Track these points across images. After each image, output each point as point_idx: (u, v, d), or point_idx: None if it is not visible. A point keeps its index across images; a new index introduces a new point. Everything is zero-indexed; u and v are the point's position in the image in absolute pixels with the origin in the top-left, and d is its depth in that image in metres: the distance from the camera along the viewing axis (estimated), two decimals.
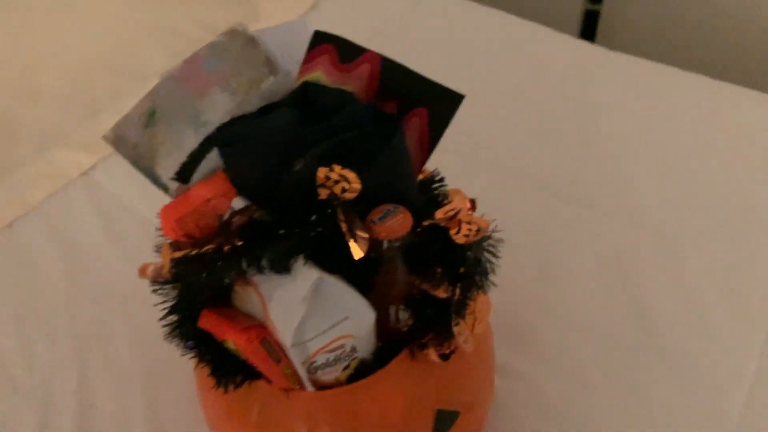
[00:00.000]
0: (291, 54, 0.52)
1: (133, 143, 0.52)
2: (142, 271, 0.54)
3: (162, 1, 1.17)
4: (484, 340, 0.57)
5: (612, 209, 0.86)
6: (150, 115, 0.51)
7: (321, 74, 0.51)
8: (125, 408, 0.70)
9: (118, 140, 0.53)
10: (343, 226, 0.43)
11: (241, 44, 0.51)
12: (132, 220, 0.88)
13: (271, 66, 0.51)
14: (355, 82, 0.50)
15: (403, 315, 0.52)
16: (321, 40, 0.51)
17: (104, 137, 0.53)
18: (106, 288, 0.81)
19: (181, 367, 0.70)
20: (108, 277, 0.82)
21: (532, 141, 0.95)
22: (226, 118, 0.51)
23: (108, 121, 0.54)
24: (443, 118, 0.51)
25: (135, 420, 0.69)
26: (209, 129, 0.51)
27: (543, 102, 1.01)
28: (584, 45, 1.11)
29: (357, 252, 0.43)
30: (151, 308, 0.78)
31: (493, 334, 0.61)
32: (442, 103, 0.51)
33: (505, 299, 0.72)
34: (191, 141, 0.51)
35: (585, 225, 0.84)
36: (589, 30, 1.80)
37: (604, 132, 0.96)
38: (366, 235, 0.44)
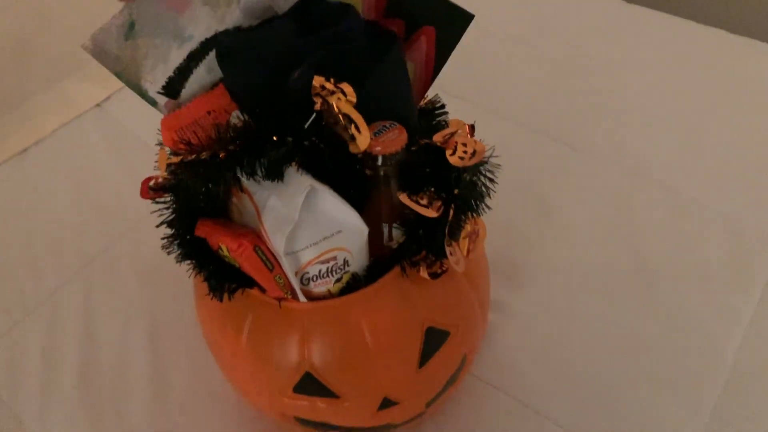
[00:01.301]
0: None
1: (114, 54, 0.52)
2: (144, 185, 0.55)
3: None
4: (478, 264, 0.58)
5: (614, 157, 0.85)
6: (129, 27, 0.51)
7: None
8: (127, 324, 0.72)
9: (98, 50, 0.52)
10: (342, 119, 0.44)
11: None
12: (141, 151, 0.89)
13: None
14: None
15: (396, 233, 0.53)
16: None
17: (83, 46, 0.53)
18: (113, 211, 0.83)
19: (181, 283, 0.72)
20: (115, 201, 0.84)
21: (538, 89, 0.95)
22: (209, 33, 0.51)
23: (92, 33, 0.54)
24: (451, 38, 0.51)
25: (137, 335, 0.71)
26: (193, 44, 0.52)
27: (553, 52, 1.00)
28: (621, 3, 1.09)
29: (355, 147, 0.44)
30: (154, 229, 0.80)
31: (488, 263, 0.61)
32: (450, 23, 0.50)
33: (502, 238, 0.73)
34: (175, 55, 0.52)
35: (586, 171, 0.84)
36: None
37: (614, 82, 0.95)
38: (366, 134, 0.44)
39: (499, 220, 0.61)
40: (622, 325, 0.70)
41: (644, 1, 1.08)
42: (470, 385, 0.66)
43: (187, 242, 0.53)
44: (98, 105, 0.95)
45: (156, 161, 0.54)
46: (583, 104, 0.92)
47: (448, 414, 0.64)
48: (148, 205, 0.84)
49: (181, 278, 0.73)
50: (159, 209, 0.53)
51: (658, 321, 0.70)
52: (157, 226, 0.53)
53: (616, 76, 0.95)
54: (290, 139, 0.46)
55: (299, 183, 0.47)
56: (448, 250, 0.51)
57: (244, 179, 0.48)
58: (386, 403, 0.54)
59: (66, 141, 0.92)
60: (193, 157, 0.47)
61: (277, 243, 0.47)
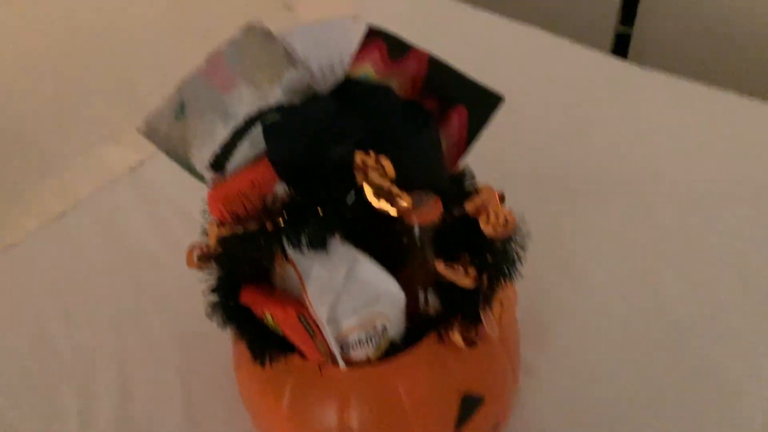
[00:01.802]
0: (332, 49, 0.55)
1: (165, 134, 0.56)
2: (189, 255, 0.58)
3: (211, 6, 1.23)
4: (509, 330, 0.59)
5: (633, 210, 0.87)
6: (180, 108, 0.55)
7: (370, 68, 0.54)
8: (161, 384, 0.74)
9: (151, 131, 0.56)
10: (377, 199, 0.46)
11: (258, 39, 0.54)
12: (175, 215, 0.92)
13: (289, 59, 0.54)
14: (401, 77, 0.54)
15: (432, 299, 0.54)
16: (373, 36, 0.54)
17: (137, 128, 0.56)
18: (148, 276, 0.85)
19: (216, 348, 0.74)
20: (149, 265, 0.86)
21: (557, 145, 0.98)
22: (252, 110, 0.55)
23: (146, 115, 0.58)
24: (482, 118, 0.54)
25: (171, 397, 0.73)
26: (238, 120, 0.55)
27: (570, 111, 1.03)
28: (615, 61, 1.13)
29: (396, 210, 0.46)
30: (188, 295, 0.82)
31: (518, 327, 0.63)
32: (482, 103, 0.54)
33: (526, 296, 0.74)
34: (221, 132, 0.55)
35: (606, 224, 0.86)
36: (620, 52, 1.82)
37: (632, 140, 0.98)
38: (404, 202, 0.47)
39: (525, 281, 0.62)
40: (650, 382, 0.70)
41: (662, 63, 1.11)
42: None
43: (230, 308, 0.55)
44: (133, 169, 0.99)
45: (203, 230, 0.57)
46: (601, 160, 0.94)
47: None
48: (181, 268, 0.87)
49: (216, 341, 0.75)
50: (205, 277, 0.56)
51: (686, 378, 0.71)
52: (204, 294, 0.55)
53: (637, 139, 0.98)
54: (333, 211, 0.49)
55: (342, 254, 0.49)
56: (482, 316, 0.53)
57: (288, 249, 0.50)
58: None
59: (101, 205, 0.95)
60: (242, 229, 0.50)
61: (321, 311, 0.49)
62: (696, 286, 0.79)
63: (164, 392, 0.73)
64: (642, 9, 1.69)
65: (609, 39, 1.79)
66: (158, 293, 0.83)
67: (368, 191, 0.47)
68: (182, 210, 0.93)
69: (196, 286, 0.67)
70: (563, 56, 1.15)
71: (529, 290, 0.75)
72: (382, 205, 0.47)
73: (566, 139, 0.99)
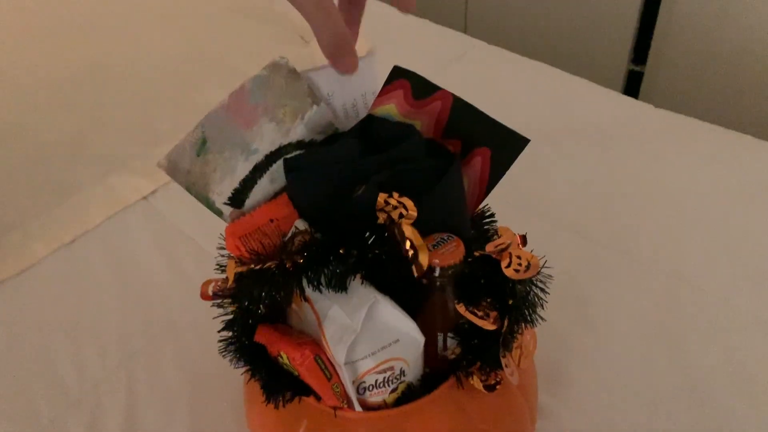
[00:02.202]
0: (355, 88, 0.55)
1: (186, 170, 0.55)
2: (204, 288, 0.57)
3: (225, 40, 1.24)
4: (528, 375, 0.58)
5: (653, 262, 0.86)
6: (201, 143, 0.55)
7: (393, 107, 0.54)
8: (170, 422, 0.72)
9: (172, 167, 0.56)
10: (407, 243, 0.45)
11: (283, 76, 0.54)
12: (186, 246, 0.92)
13: (313, 96, 0.54)
14: (424, 117, 0.53)
15: (451, 343, 0.53)
16: (398, 75, 0.54)
17: (158, 164, 0.56)
18: (156, 307, 0.84)
19: (226, 386, 0.73)
20: (159, 296, 0.85)
21: (573, 191, 0.97)
22: (273, 146, 0.55)
23: (167, 151, 0.57)
24: (505, 160, 0.54)
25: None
26: (258, 156, 0.55)
27: (585, 154, 1.03)
28: (629, 100, 1.13)
29: (415, 271, 0.45)
30: (198, 328, 0.81)
31: (536, 373, 0.61)
32: (505, 145, 0.53)
33: (543, 342, 0.73)
34: (242, 168, 0.55)
35: (625, 275, 0.85)
36: (632, 91, 1.83)
37: (648, 185, 0.97)
38: (425, 256, 0.46)
39: (541, 326, 0.61)
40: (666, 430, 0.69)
41: (674, 101, 1.11)
42: None
43: (244, 347, 0.54)
44: (145, 198, 0.98)
45: (218, 265, 0.56)
46: (619, 208, 0.94)
47: None
48: (191, 300, 0.86)
49: (225, 378, 0.74)
50: (217, 311, 0.55)
51: (703, 428, 0.69)
52: (219, 332, 0.54)
53: (651, 181, 0.97)
54: (355, 251, 0.48)
55: (363, 295, 0.48)
56: (502, 361, 0.52)
57: (307, 289, 0.49)
58: None
59: (112, 233, 0.94)
60: (260, 266, 0.49)
61: (338, 353, 0.48)
62: (718, 339, 0.77)
63: (172, 428, 0.72)
64: (654, 47, 1.70)
65: (621, 77, 1.80)
66: (167, 325, 0.82)
67: (398, 232, 0.46)
68: (193, 241, 0.92)
69: (206, 319, 0.66)
70: (576, 94, 1.15)
71: (545, 335, 0.74)
72: (408, 246, 0.46)
73: (581, 181, 0.99)
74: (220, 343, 0.55)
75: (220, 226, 0.58)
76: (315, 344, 0.50)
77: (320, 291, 0.49)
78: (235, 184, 0.55)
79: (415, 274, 0.46)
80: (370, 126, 0.53)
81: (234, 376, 0.69)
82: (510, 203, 0.91)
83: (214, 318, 0.55)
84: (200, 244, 0.91)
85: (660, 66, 1.72)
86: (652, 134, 1.06)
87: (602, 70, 1.78)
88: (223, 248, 0.56)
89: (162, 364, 0.78)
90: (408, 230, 0.46)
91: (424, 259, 0.46)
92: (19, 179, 1.01)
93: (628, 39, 1.73)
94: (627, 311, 0.81)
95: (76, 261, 0.91)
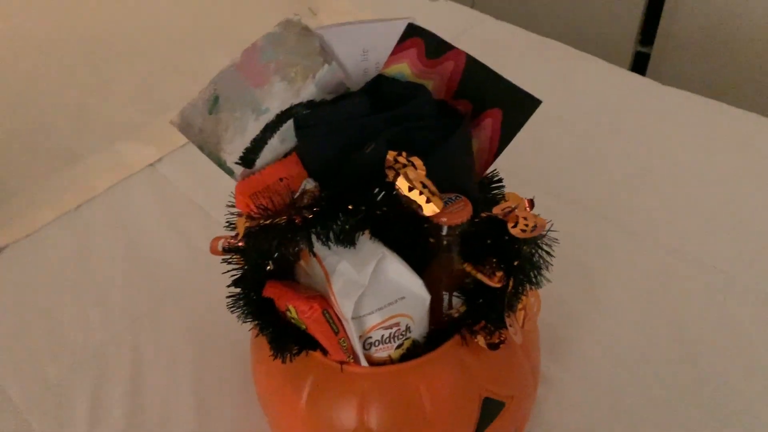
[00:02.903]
0: (367, 47, 0.55)
1: (198, 128, 0.56)
2: (214, 244, 0.57)
3: (231, 10, 1.23)
4: (531, 336, 0.59)
5: (655, 236, 0.87)
6: (213, 101, 0.55)
7: (406, 66, 0.54)
8: (175, 383, 0.73)
9: (185, 124, 0.56)
10: (419, 185, 0.46)
11: (295, 34, 0.54)
12: (191, 212, 0.92)
13: (324, 55, 0.54)
14: (437, 77, 0.53)
15: (456, 302, 0.54)
16: (411, 33, 0.54)
17: (171, 121, 0.56)
18: (162, 271, 0.85)
19: (231, 348, 0.74)
20: (164, 261, 0.86)
21: (580, 166, 0.97)
22: (284, 106, 0.55)
23: (181, 108, 0.57)
24: (516, 121, 0.54)
25: (182, 392, 0.72)
26: (269, 116, 0.55)
27: (591, 129, 1.03)
28: (636, 77, 1.13)
29: (430, 209, 0.46)
30: (203, 291, 0.82)
31: (540, 338, 0.62)
32: (517, 106, 0.53)
33: (547, 311, 0.74)
34: (253, 127, 0.55)
35: (628, 249, 0.85)
36: (638, 72, 1.82)
37: (653, 162, 0.97)
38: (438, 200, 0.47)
39: (545, 291, 0.62)
40: (666, 401, 0.70)
41: (680, 84, 1.11)
42: None
43: (252, 302, 0.55)
44: (151, 165, 0.99)
45: (229, 220, 0.56)
46: (622, 182, 0.94)
47: None
48: (195, 264, 0.86)
49: (228, 337, 0.75)
50: (230, 269, 0.55)
51: (702, 400, 0.70)
52: (228, 287, 0.55)
53: (657, 157, 0.98)
54: (363, 207, 0.49)
55: (371, 250, 0.49)
56: (507, 320, 0.52)
57: (316, 244, 0.50)
58: None
59: (118, 199, 0.95)
60: (269, 221, 0.49)
61: (345, 307, 0.49)
62: (716, 311, 0.78)
63: (177, 388, 0.73)
64: (662, 29, 1.70)
65: (628, 58, 1.80)
66: (172, 288, 0.83)
67: (402, 184, 0.46)
68: (198, 207, 0.93)
69: (211, 283, 0.67)
70: (583, 70, 1.15)
71: (548, 304, 0.75)
72: (414, 196, 0.46)
73: (587, 156, 0.99)
74: (229, 299, 0.56)
75: (225, 193, 0.59)
76: (323, 299, 0.50)
77: (329, 246, 0.50)
78: (246, 144, 0.56)
79: (426, 215, 0.46)
80: (380, 85, 0.54)
81: (239, 338, 0.70)
82: (515, 178, 0.91)
83: (223, 273, 0.55)
84: (206, 210, 0.92)
85: (667, 47, 1.72)
86: (658, 110, 1.06)
87: (609, 51, 1.77)
88: (233, 206, 0.57)
89: (167, 326, 0.79)
90: (419, 175, 0.46)
91: (437, 201, 0.46)
92: (26, 146, 1.01)
93: (635, 20, 1.72)
94: (629, 284, 0.81)
95: (83, 226, 0.91)
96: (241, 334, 0.66)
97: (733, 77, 1.64)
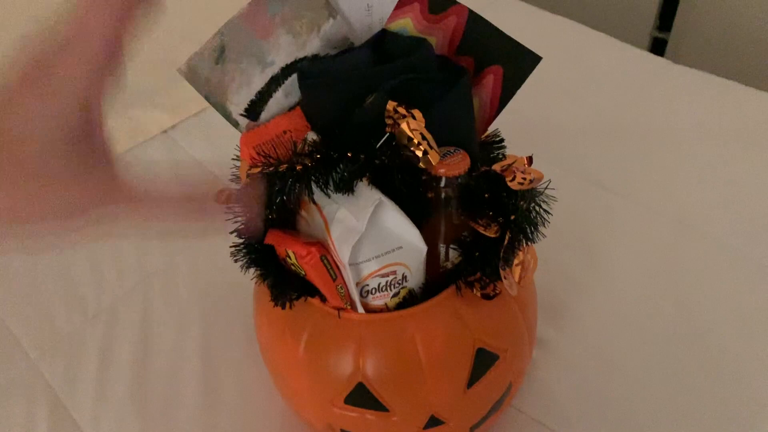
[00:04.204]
0: (371, 2, 0.56)
1: (205, 78, 0.57)
2: (219, 196, 0.59)
3: None
4: (528, 294, 0.60)
5: (660, 207, 0.87)
6: (220, 51, 0.56)
7: (409, 21, 0.55)
8: (183, 336, 0.75)
9: (192, 73, 0.57)
10: (417, 136, 0.47)
11: None
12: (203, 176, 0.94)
13: (330, 8, 0.55)
14: (439, 33, 0.54)
15: (453, 254, 0.55)
16: None
17: (178, 70, 0.57)
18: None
19: (236, 303, 0.76)
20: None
21: (588, 139, 0.98)
22: (289, 59, 0.56)
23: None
24: (517, 78, 0.54)
25: (190, 347, 0.74)
26: (274, 69, 0.56)
27: (602, 104, 1.03)
28: (649, 56, 1.13)
29: (426, 163, 0.47)
30: (212, 250, 0.84)
31: (536, 295, 0.63)
32: (518, 63, 0.54)
33: (547, 277, 0.75)
34: (258, 79, 0.56)
35: (632, 219, 0.86)
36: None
37: (662, 137, 0.97)
38: (435, 153, 0.47)
39: (544, 259, 0.63)
40: (664, 369, 0.70)
41: (691, 62, 1.11)
42: (512, 417, 0.67)
43: (254, 251, 0.56)
44: (165, 132, 1.01)
45: (235, 173, 0.58)
46: (631, 156, 0.94)
47: None
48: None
49: (235, 294, 0.77)
50: (231, 218, 0.57)
51: (701, 367, 0.70)
52: (231, 233, 0.56)
53: (663, 131, 0.98)
54: (362, 155, 0.50)
55: (368, 196, 0.50)
56: (502, 273, 0.53)
57: (315, 192, 0.51)
58: (433, 422, 0.56)
59: (132, 162, 0.97)
60: (272, 169, 0.51)
61: (343, 253, 0.50)
62: (718, 282, 0.78)
63: (184, 341, 0.75)
64: (680, 14, 1.68)
65: (645, 43, 1.79)
66: (183, 247, 0.84)
67: (401, 134, 0.47)
68: (208, 171, 0.94)
69: (219, 242, 0.68)
70: (597, 47, 1.15)
71: (548, 270, 0.75)
72: (412, 147, 0.47)
73: (596, 130, 1.00)
74: (232, 248, 0.57)
75: (232, 155, 0.60)
76: (322, 245, 0.52)
77: (328, 194, 0.51)
78: (252, 96, 0.57)
79: (424, 166, 0.47)
80: (384, 40, 0.55)
81: (243, 294, 0.72)
82: (522, 148, 0.92)
83: (226, 220, 0.57)
84: (216, 175, 0.94)
85: (685, 33, 1.70)
86: (669, 88, 1.06)
87: (626, 37, 1.76)
88: (238, 158, 0.58)
89: (176, 283, 0.81)
90: (418, 126, 0.47)
91: (434, 154, 0.47)
92: None
93: (653, 5, 1.71)
94: (630, 253, 0.82)
95: None
96: (246, 290, 0.68)
97: (751, 64, 1.62)
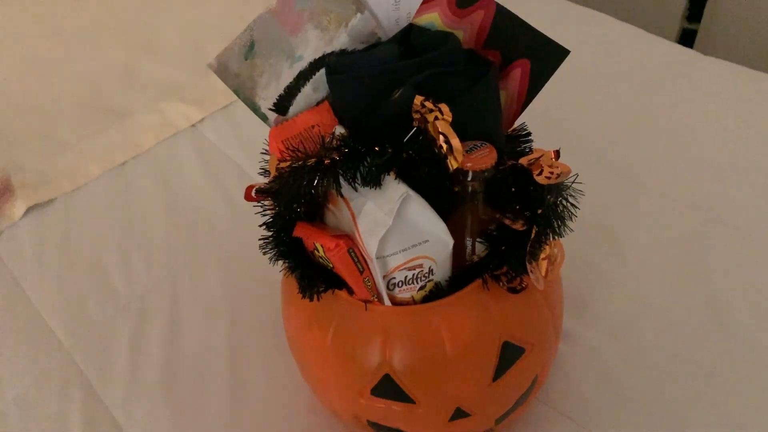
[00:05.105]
0: None
1: (234, 72, 0.57)
2: (248, 191, 0.60)
3: None
4: (554, 288, 0.60)
5: (685, 198, 0.86)
6: (250, 47, 0.57)
7: (437, 16, 0.55)
8: (211, 326, 0.77)
9: (222, 68, 0.58)
10: (440, 138, 0.47)
11: None
12: (230, 170, 0.95)
13: (357, 4, 0.56)
14: (467, 26, 0.54)
15: (479, 248, 0.55)
16: None
17: (209, 65, 0.58)
18: (201, 224, 0.88)
19: (262, 293, 0.77)
20: (204, 214, 0.89)
21: (612, 130, 0.97)
22: (317, 54, 0.56)
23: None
24: (545, 71, 0.54)
25: (218, 338, 0.76)
26: (303, 64, 0.57)
27: (631, 97, 1.02)
28: (677, 47, 1.12)
29: (449, 164, 0.47)
30: (237, 241, 0.85)
31: (563, 288, 0.63)
32: (546, 56, 0.54)
33: (573, 270, 0.75)
34: (287, 74, 0.57)
35: (660, 213, 0.85)
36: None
37: (691, 129, 0.96)
38: (459, 151, 0.48)
39: (571, 252, 0.63)
40: (692, 362, 0.70)
41: (721, 54, 1.09)
42: (537, 410, 0.67)
43: (283, 244, 0.57)
44: (193, 126, 1.02)
45: (263, 167, 0.59)
46: (659, 149, 0.94)
47: None
48: (234, 218, 0.89)
49: (262, 286, 0.78)
50: (261, 210, 0.58)
51: (730, 361, 0.70)
52: (260, 226, 0.57)
53: (692, 124, 0.97)
54: (389, 149, 0.50)
55: (395, 189, 0.50)
56: (528, 267, 0.53)
57: (343, 186, 0.52)
58: (458, 414, 0.56)
59: (161, 157, 0.99)
60: (300, 163, 0.51)
61: (370, 246, 0.51)
62: (748, 275, 0.78)
63: (212, 333, 0.76)
64: (710, 5, 1.65)
65: (674, 34, 1.76)
66: (211, 240, 0.86)
67: (434, 128, 0.48)
68: (236, 165, 0.96)
69: (246, 235, 0.69)
70: (628, 42, 1.13)
71: (574, 264, 0.75)
72: (441, 141, 0.48)
73: (622, 120, 0.99)
74: (260, 241, 0.58)
75: (259, 151, 0.61)
76: (349, 239, 0.52)
77: (355, 188, 0.51)
78: (280, 90, 0.58)
79: (450, 168, 0.48)
80: (411, 34, 0.55)
81: (271, 286, 0.73)
82: (548, 140, 0.91)
83: (255, 213, 0.58)
84: (243, 168, 0.95)
85: (715, 24, 1.67)
86: (697, 79, 1.04)
87: (655, 28, 1.74)
88: (267, 152, 0.59)
89: (205, 275, 0.82)
90: (443, 126, 0.48)
91: (458, 154, 0.47)
92: (75, 105, 1.05)
93: None
94: (658, 246, 0.81)
95: (128, 181, 0.95)
96: (274, 282, 0.69)
97: None
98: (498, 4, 0.54)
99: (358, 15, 0.55)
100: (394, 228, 0.51)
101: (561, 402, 0.67)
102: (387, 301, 0.53)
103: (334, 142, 0.52)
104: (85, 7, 1.24)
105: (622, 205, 0.86)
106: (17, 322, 0.79)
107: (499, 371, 0.55)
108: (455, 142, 0.48)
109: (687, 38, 1.77)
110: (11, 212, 0.90)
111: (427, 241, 0.52)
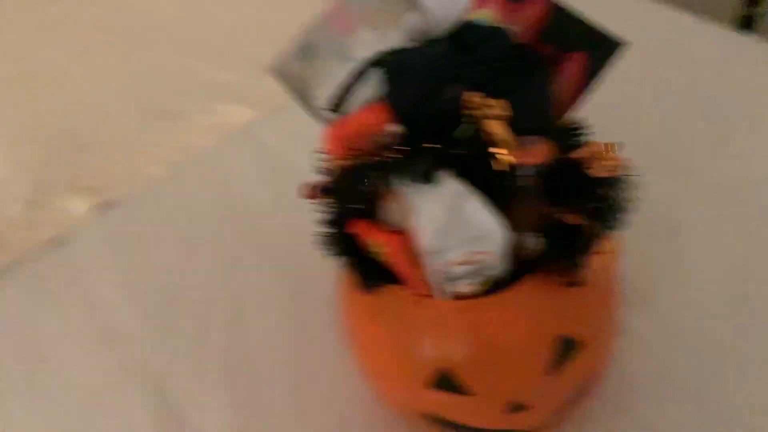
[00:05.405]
0: None
1: (291, 74, 0.59)
2: (304, 188, 0.61)
3: None
4: (610, 283, 0.59)
5: (750, 195, 0.84)
6: (305, 48, 0.58)
7: (490, 11, 0.55)
8: (270, 321, 0.79)
9: (279, 71, 0.60)
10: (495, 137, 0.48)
11: None
12: (284, 170, 0.97)
13: (410, 1, 0.56)
14: (521, 21, 0.55)
15: (534, 242, 0.55)
16: None
17: (269, 68, 0.60)
18: (259, 222, 0.91)
19: (319, 289, 0.78)
20: (261, 212, 0.92)
21: (672, 124, 0.95)
22: (372, 52, 0.57)
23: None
24: (602, 64, 0.54)
25: (278, 331, 0.78)
26: (356, 63, 0.58)
27: (690, 88, 1.00)
28: (736, 36, 1.09)
29: (499, 165, 0.47)
30: (294, 239, 0.87)
31: (620, 283, 0.62)
32: (602, 49, 0.53)
33: (631, 265, 0.73)
34: (341, 74, 0.58)
35: (720, 206, 0.83)
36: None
37: (752, 120, 0.94)
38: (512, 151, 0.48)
39: (629, 246, 0.62)
40: (757, 358, 0.68)
41: None
42: (594, 405, 0.66)
43: (339, 240, 0.58)
44: (248, 127, 1.05)
45: (319, 166, 0.60)
46: (719, 140, 0.91)
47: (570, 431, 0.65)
48: (290, 214, 0.91)
49: (319, 281, 0.80)
50: (318, 208, 0.59)
51: None
52: (318, 223, 0.58)
53: (756, 115, 0.94)
54: (443, 146, 0.51)
55: (450, 187, 0.51)
56: (585, 261, 0.53)
57: (399, 182, 0.53)
58: (515, 407, 0.57)
59: (217, 157, 1.01)
60: (357, 161, 0.53)
61: (425, 242, 0.51)
62: None
63: (272, 329, 0.78)
64: None
65: (734, 20, 1.71)
66: (269, 237, 0.88)
67: (487, 125, 0.48)
68: (292, 165, 0.97)
69: (303, 232, 0.71)
70: (685, 31, 1.11)
71: (632, 258, 0.74)
72: (494, 137, 0.48)
73: (685, 118, 0.97)
74: (318, 238, 0.60)
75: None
76: (405, 234, 0.53)
77: (410, 184, 0.52)
78: (335, 90, 0.59)
79: (504, 164, 0.48)
80: (464, 30, 0.55)
81: (327, 282, 0.74)
82: (606, 137, 0.90)
83: (313, 211, 0.59)
84: (298, 167, 0.96)
85: None
86: (758, 66, 1.01)
87: (711, 13, 1.69)
88: (322, 152, 0.60)
89: (263, 270, 0.84)
90: (496, 122, 0.48)
91: (511, 149, 0.48)
92: (133, 108, 1.09)
93: None
94: (719, 240, 0.80)
95: (183, 182, 0.99)
96: (329, 279, 0.70)
97: None
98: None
99: (410, 13, 0.56)
100: (450, 223, 0.51)
101: (619, 398, 0.67)
102: (443, 296, 0.54)
103: (389, 140, 0.53)
104: (141, 10, 1.29)
105: (681, 199, 0.85)
106: (84, 319, 0.82)
107: (556, 365, 0.55)
108: (508, 137, 0.49)
109: (746, 25, 1.72)
110: (76, 213, 0.94)
111: (483, 235, 0.53)
